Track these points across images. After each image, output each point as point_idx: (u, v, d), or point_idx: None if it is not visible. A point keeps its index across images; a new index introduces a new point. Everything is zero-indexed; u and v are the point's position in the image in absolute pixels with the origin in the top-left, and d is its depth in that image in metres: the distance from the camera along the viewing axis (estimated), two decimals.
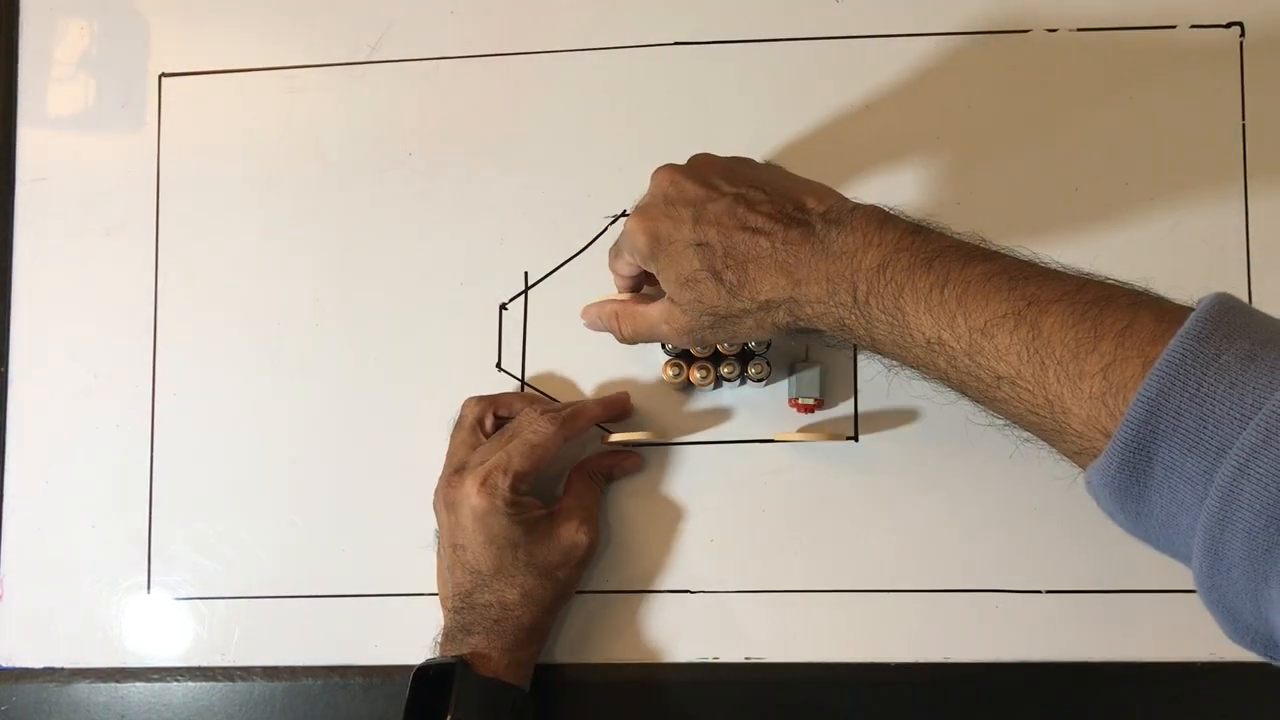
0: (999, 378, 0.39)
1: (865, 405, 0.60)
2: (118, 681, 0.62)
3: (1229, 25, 0.60)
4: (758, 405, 0.60)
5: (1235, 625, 0.35)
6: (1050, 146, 0.60)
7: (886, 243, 0.43)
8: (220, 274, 0.64)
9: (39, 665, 0.63)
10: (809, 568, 0.59)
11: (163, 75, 0.65)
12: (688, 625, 0.59)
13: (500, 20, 0.64)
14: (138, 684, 0.62)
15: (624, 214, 0.62)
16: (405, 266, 0.63)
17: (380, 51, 0.64)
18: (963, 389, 0.42)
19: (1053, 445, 0.40)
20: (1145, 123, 0.60)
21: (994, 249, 0.42)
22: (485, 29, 0.64)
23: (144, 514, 0.63)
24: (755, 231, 0.46)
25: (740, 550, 0.60)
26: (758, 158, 0.53)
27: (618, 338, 0.55)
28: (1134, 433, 0.34)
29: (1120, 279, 0.40)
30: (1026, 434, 0.41)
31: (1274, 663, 0.35)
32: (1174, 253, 0.59)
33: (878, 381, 0.60)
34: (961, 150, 0.61)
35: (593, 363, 0.61)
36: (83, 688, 0.62)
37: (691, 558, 0.60)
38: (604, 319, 0.55)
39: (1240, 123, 0.60)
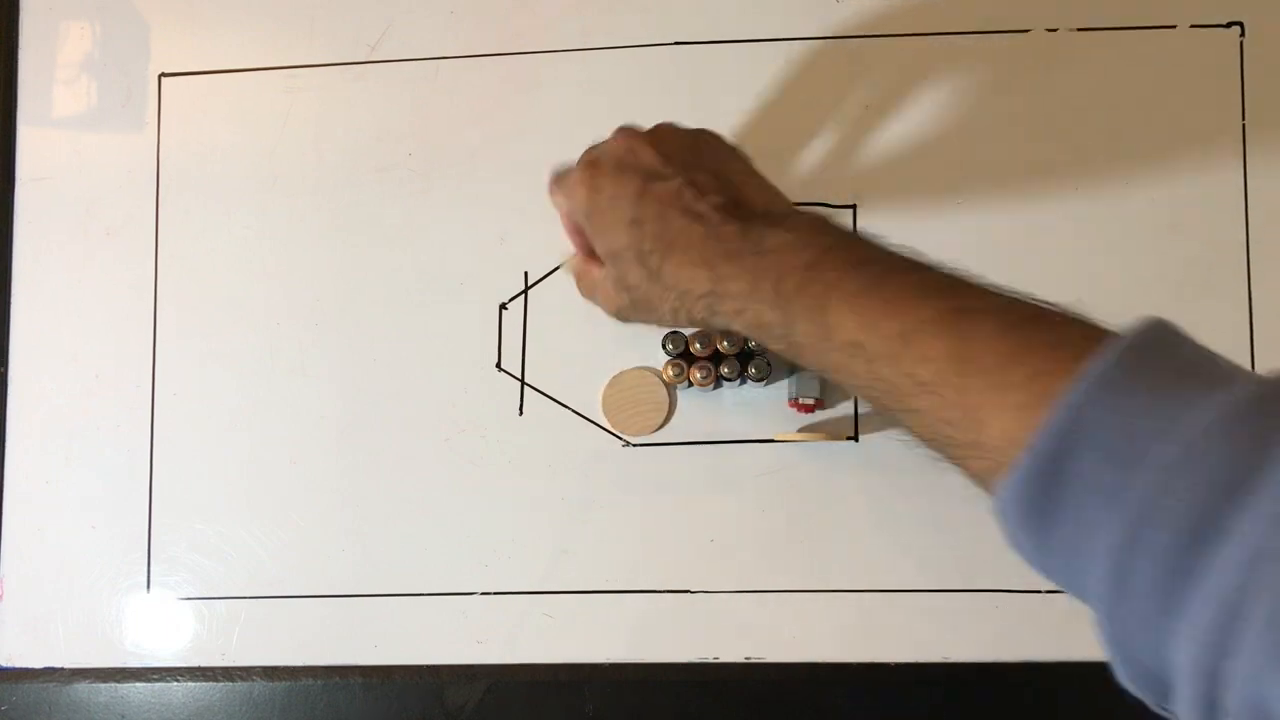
0: (919, 384, 0.37)
1: (865, 405, 0.60)
2: (118, 681, 0.62)
3: (1229, 25, 0.60)
4: (758, 405, 0.60)
5: (1131, 666, 0.32)
6: (1050, 146, 0.60)
7: (820, 244, 0.41)
8: (220, 274, 0.64)
9: (39, 665, 0.63)
10: (809, 568, 0.59)
11: (163, 75, 0.65)
12: (688, 625, 0.59)
13: (500, 20, 0.64)
14: (138, 684, 0.62)
15: None
16: (405, 266, 0.63)
17: (380, 51, 0.64)
18: (877, 396, 0.40)
19: (961, 463, 0.37)
20: (1145, 123, 0.60)
21: (928, 261, 0.41)
22: (485, 29, 0.64)
23: (144, 514, 0.63)
24: (695, 217, 0.44)
25: (740, 550, 0.60)
26: (757, 158, 0.52)
27: (579, 292, 0.53)
28: (1053, 440, 0.32)
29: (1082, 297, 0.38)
30: (935, 451, 0.39)
31: (1162, 712, 0.32)
32: (1174, 253, 0.59)
33: None
34: (961, 150, 0.61)
35: (593, 363, 0.61)
36: (83, 688, 0.62)
37: (691, 558, 0.60)
38: (572, 270, 0.53)
39: (1240, 123, 0.60)
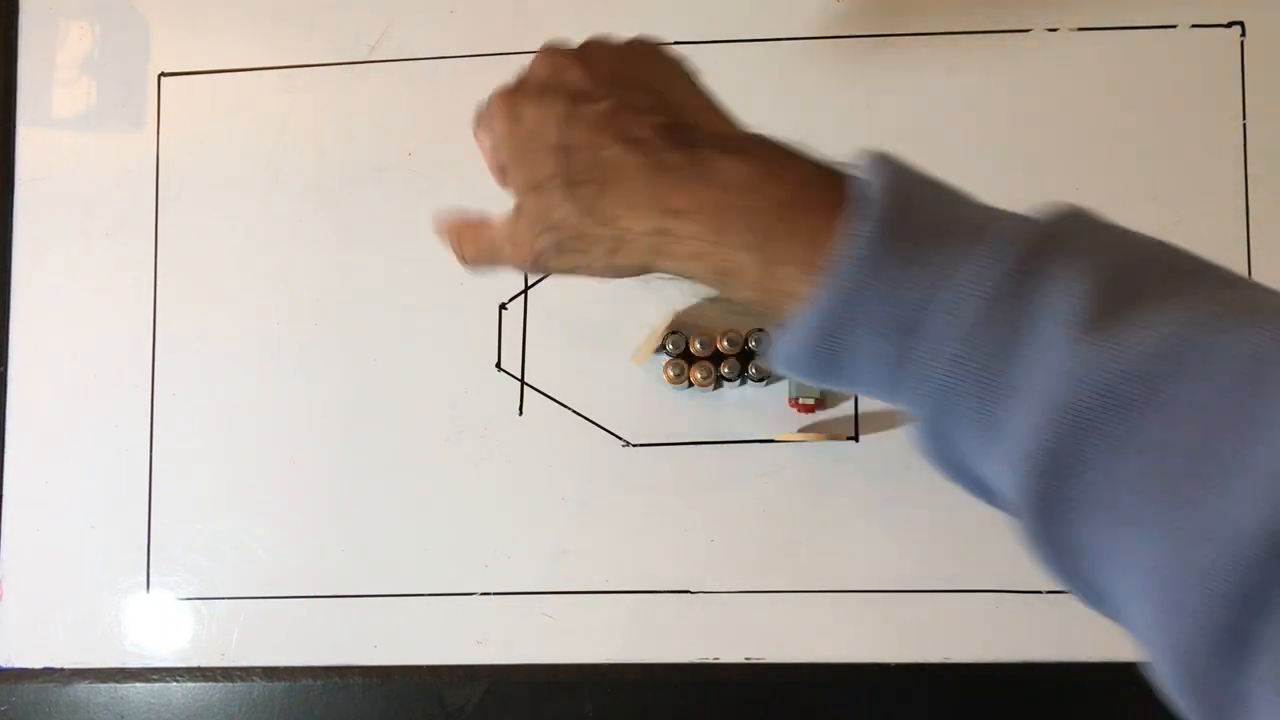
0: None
1: (865, 405, 0.60)
2: (118, 681, 0.62)
3: (1229, 25, 0.60)
4: (758, 405, 0.60)
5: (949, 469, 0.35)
6: (1050, 146, 0.60)
7: (792, 178, 0.37)
8: (220, 274, 0.64)
9: (39, 665, 0.63)
10: (809, 568, 0.59)
11: (163, 75, 0.65)
12: (688, 625, 0.59)
13: (500, 20, 0.64)
14: (138, 684, 0.62)
15: None
16: (405, 266, 0.63)
17: (380, 51, 0.64)
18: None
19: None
20: (1145, 123, 0.60)
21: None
22: (485, 29, 0.64)
23: (144, 514, 0.63)
24: (633, 144, 0.38)
25: (740, 550, 0.60)
26: None
27: (459, 260, 0.47)
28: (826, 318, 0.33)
29: None
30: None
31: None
32: None
33: None
34: (962, 150, 0.61)
35: (593, 363, 0.61)
36: (83, 688, 0.62)
37: (691, 558, 0.60)
38: (445, 234, 0.47)
39: (1240, 123, 0.60)
